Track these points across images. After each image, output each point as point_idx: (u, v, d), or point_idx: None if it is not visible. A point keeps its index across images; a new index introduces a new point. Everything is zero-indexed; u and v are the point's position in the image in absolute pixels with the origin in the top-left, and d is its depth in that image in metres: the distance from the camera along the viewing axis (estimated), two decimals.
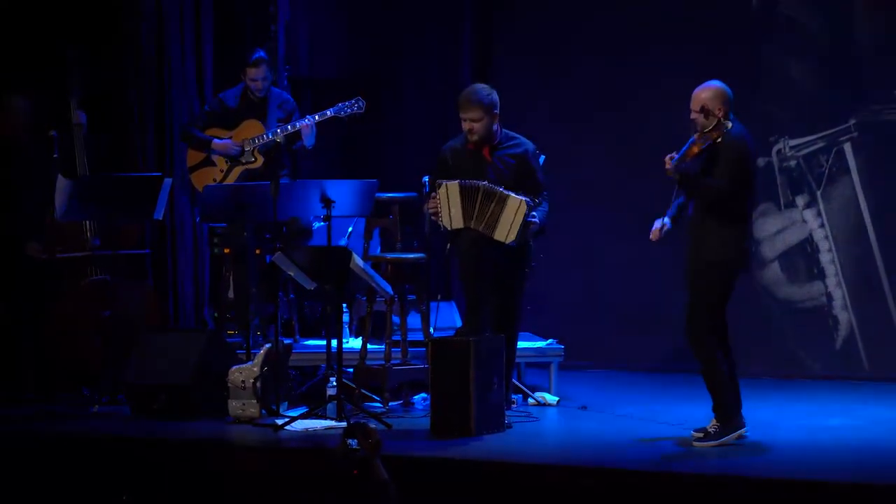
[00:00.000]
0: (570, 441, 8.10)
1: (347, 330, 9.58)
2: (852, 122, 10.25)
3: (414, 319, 9.10)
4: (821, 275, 10.36)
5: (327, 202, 8.42)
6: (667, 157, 7.54)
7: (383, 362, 8.87)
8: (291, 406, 8.59)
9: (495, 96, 8.39)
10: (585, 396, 9.18)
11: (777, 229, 10.46)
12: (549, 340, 9.55)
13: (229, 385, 8.32)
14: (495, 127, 8.41)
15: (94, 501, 7.52)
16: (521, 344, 8.91)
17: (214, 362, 8.50)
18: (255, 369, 8.32)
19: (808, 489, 6.62)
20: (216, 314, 9.87)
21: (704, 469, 7.02)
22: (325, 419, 8.16)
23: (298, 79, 10.78)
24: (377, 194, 8.90)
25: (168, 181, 8.99)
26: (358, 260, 8.30)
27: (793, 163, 10.41)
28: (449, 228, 8.35)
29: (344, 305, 9.33)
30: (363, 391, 8.84)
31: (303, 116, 9.53)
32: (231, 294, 9.48)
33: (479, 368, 7.88)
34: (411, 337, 9.03)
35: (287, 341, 9.19)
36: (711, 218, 7.61)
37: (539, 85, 10.94)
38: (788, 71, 10.41)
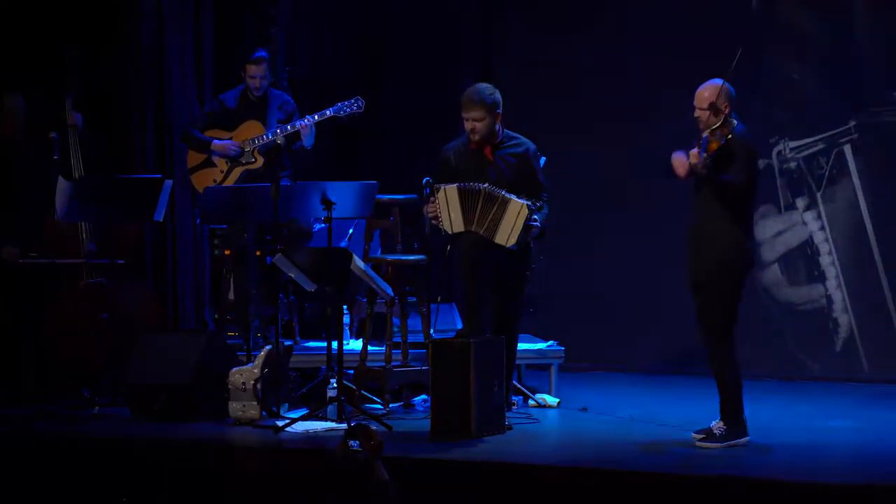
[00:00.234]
0: (570, 443, 8.09)
1: (348, 331, 9.58)
2: (852, 123, 10.26)
3: (414, 321, 9.10)
4: (821, 277, 10.36)
5: (328, 204, 8.42)
6: (692, 152, 7.52)
7: (384, 364, 8.86)
8: (292, 408, 8.59)
9: (498, 96, 8.39)
10: (586, 398, 9.18)
11: (777, 231, 10.46)
12: (550, 342, 9.56)
13: (229, 386, 8.32)
14: (497, 126, 8.42)
15: (93, 503, 7.52)
16: (521, 346, 8.91)
17: (215, 364, 8.50)
18: (256, 371, 8.31)
19: (808, 490, 6.62)
20: (216, 315, 9.86)
21: (704, 470, 7.02)
22: (326, 421, 8.16)
23: (298, 80, 10.77)
24: (377, 196, 8.90)
25: (168, 183, 8.98)
26: (358, 261, 8.30)
27: (793, 164, 10.42)
28: (450, 232, 8.35)
29: (344, 307, 9.33)
30: (363, 393, 8.84)
31: (302, 117, 9.53)
32: (231, 295, 9.47)
33: (479, 370, 7.88)
34: (412, 339, 9.03)
35: (287, 343, 9.18)
36: (720, 218, 7.59)
37: (539, 85, 10.94)
38: (788, 72, 10.41)
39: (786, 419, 8.49)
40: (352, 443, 5.97)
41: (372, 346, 9.07)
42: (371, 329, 9.08)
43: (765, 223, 10.38)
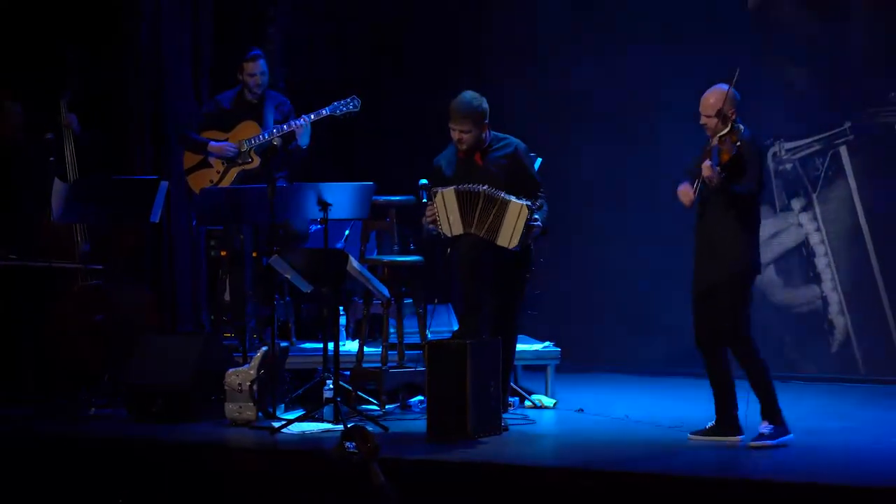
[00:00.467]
0: (566, 443, 8.09)
1: (344, 333, 9.59)
2: (848, 125, 10.27)
3: (411, 322, 9.10)
4: (816, 279, 10.37)
5: (324, 205, 8.42)
6: (704, 165, 7.49)
7: (380, 365, 8.86)
8: (288, 409, 8.59)
9: (485, 104, 8.36)
10: (582, 399, 9.19)
11: (773, 232, 10.47)
12: (546, 343, 9.56)
13: (226, 388, 8.32)
14: (484, 134, 8.40)
15: (90, 503, 7.53)
16: (517, 346, 8.90)
17: (211, 365, 8.50)
18: (252, 372, 8.31)
19: (804, 491, 6.62)
20: (213, 317, 9.86)
21: (701, 471, 7.02)
22: (322, 422, 8.16)
23: (296, 81, 10.77)
24: (374, 197, 8.90)
25: (164, 184, 8.98)
26: (355, 262, 8.30)
27: (788, 166, 10.43)
28: (449, 235, 8.33)
29: (341, 308, 9.34)
30: (360, 394, 8.84)
31: (298, 117, 9.53)
32: (227, 297, 9.47)
33: (475, 371, 7.88)
34: (408, 340, 9.03)
35: (284, 344, 9.18)
36: (731, 226, 7.57)
37: (536, 86, 10.95)
38: (784, 73, 10.42)
39: None
40: (348, 444, 5.97)
41: (368, 347, 9.07)
42: (367, 330, 9.08)
43: (761, 224, 10.37)
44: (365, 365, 8.95)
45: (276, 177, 9.24)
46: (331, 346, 8.42)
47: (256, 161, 9.56)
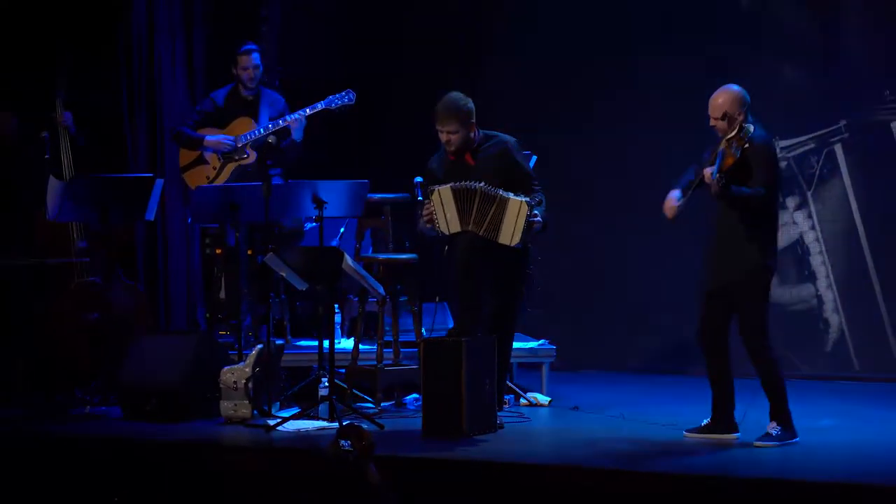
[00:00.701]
0: (561, 441, 8.10)
1: (339, 330, 9.58)
2: (843, 122, 10.27)
3: (406, 320, 9.10)
4: (811, 277, 10.37)
5: (319, 203, 8.43)
6: (706, 172, 7.45)
7: (375, 363, 8.86)
8: (283, 407, 8.59)
9: (471, 104, 8.36)
10: (577, 397, 9.19)
11: None
12: (541, 341, 9.57)
13: (221, 386, 8.31)
14: (472, 134, 8.39)
15: (85, 503, 7.51)
16: (513, 344, 8.90)
17: (206, 363, 8.49)
18: (247, 370, 8.32)
19: (799, 489, 6.63)
20: (208, 315, 9.86)
21: (695, 469, 7.03)
22: (317, 420, 8.16)
23: (290, 79, 10.77)
24: (369, 195, 8.90)
25: (160, 182, 8.98)
26: (350, 260, 8.30)
27: (783, 164, 10.42)
28: (447, 233, 8.33)
29: (336, 306, 9.34)
30: (355, 392, 8.84)
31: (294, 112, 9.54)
32: (223, 295, 9.47)
33: (470, 369, 7.88)
34: (403, 337, 9.03)
35: (279, 342, 9.19)
36: (744, 226, 7.53)
37: (531, 86, 10.95)
38: (779, 71, 10.42)
39: None
40: (343, 443, 5.96)
41: (363, 344, 9.07)
42: (362, 328, 9.08)
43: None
44: (360, 363, 8.95)
45: (271, 174, 9.24)
46: (326, 343, 8.42)
47: (252, 156, 9.57)
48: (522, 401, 9.01)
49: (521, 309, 8.62)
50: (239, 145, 9.57)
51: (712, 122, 7.62)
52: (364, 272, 8.52)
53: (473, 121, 8.35)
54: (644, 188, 10.51)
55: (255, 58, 9.61)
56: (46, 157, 9.28)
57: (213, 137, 9.59)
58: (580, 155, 10.71)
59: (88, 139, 9.50)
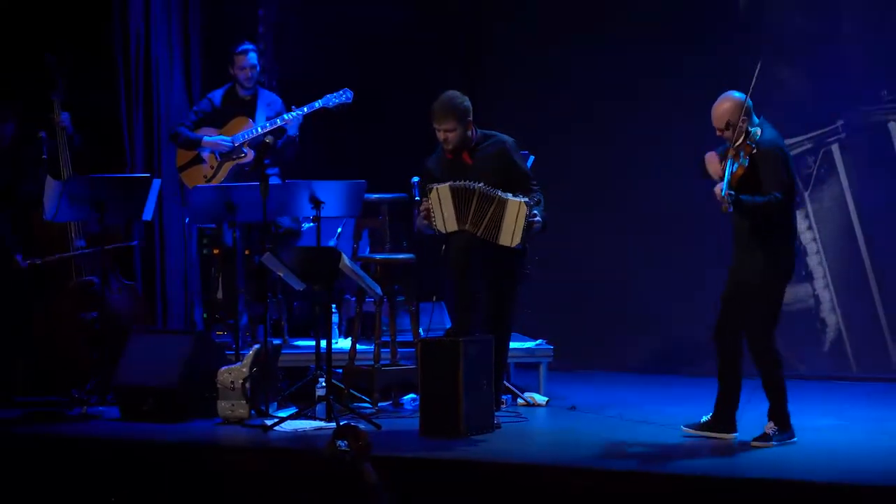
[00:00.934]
0: (559, 441, 8.09)
1: (336, 330, 9.58)
2: (840, 122, 10.27)
3: (403, 320, 9.10)
4: (809, 277, 10.37)
5: (316, 203, 8.43)
6: (715, 189, 7.38)
7: (372, 363, 8.87)
8: (280, 407, 8.59)
9: (468, 102, 8.36)
10: (574, 397, 9.19)
11: None
12: (539, 341, 9.57)
13: (218, 386, 8.31)
14: (469, 132, 8.39)
15: (82, 503, 7.51)
16: (510, 344, 8.91)
17: (203, 363, 8.50)
18: (245, 370, 8.31)
19: (797, 489, 6.63)
20: (205, 315, 9.86)
21: (693, 470, 7.02)
22: (315, 420, 8.17)
23: (287, 80, 10.77)
24: (366, 195, 8.90)
25: (157, 182, 8.98)
26: (347, 260, 8.30)
27: None
28: (443, 231, 8.33)
29: (333, 306, 9.34)
30: (352, 392, 8.84)
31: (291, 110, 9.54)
32: (220, 295, 9.47)
33: (468, 369, 7.88)
34: (400, 337, 9.04)
35: (276, 342, 9.18)
36: (763, 228, 7.49)
37: (529, 86, 10.95)
38: (776, 72, 10.42)
39: None
40: (340, 443, 5.96)
41: (361, 344, 9.08)
42: (360, 328, 9.08)
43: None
44: (357, 363, 8.96)
45: (269, 174, 9.24)
46: (323, 343, 8.42)
47: (250, 155, 9.57)
48: (520, 401, 9.01)
49: (518, 309, 8.62)
50: (236, 144, 9.58)
51: (718, 133, 7.58)
52: (361, 272, 8.52)
53: (470, 119, 8.35)
54: (642, 188, 10.56)
55: (252, 57, 9.62)
56: (44, 157, 9.27)
57: (210, 139, 9.59)
58: (579, 155, 10.71)
59: (86, 140, 9.49)
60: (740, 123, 7.47)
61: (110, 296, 9.06)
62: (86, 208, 8.75)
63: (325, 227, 8.95)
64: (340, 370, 8.93)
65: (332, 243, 9.70)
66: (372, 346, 8.95)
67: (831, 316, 10.31)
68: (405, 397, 8.95)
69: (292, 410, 8.36)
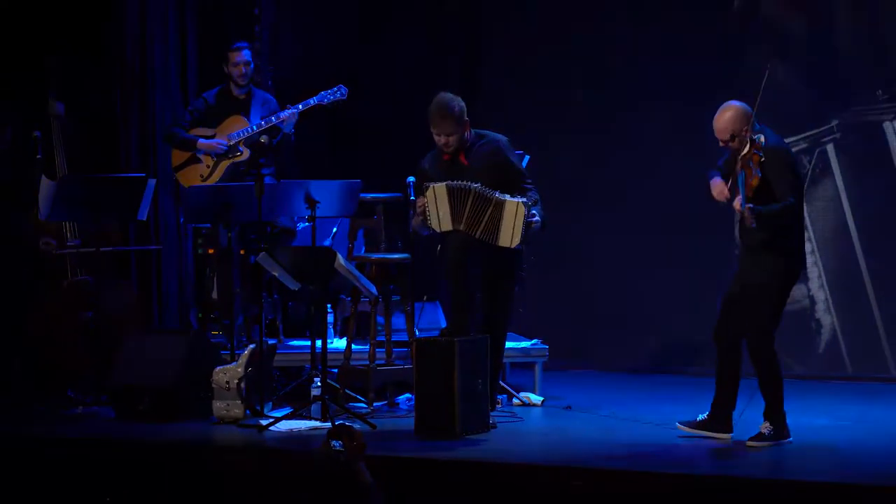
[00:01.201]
0: (554, 441, 8.09)
1: (332, 330, 9.58)
2: (835, 122, 10.27)
3: (398, 320, 9.10)
4: (803, 277, 10.37)
5: (312, 203, 8.42)
6: (735, 204, 7.35)
7: (368, 363, 8.86)
8: (276, 406, 8.59)
9: (462, 103, 8.34)
10: (570, 396, 9.19)
11: None
12: (534, 340, 9.56)
13: (213, 386, 8.31)
14: (466, 133, 8.40)
15: (77, 503, 7.50)
16: (506, 344, 8.91)
17: (198, 363, 8.49)
18: (240, 370, 8.31)
19: (793, 489, 6.63)
20: (200, 315, 9.85)
21: (688, 469, 7.03)
22: (310, 419, 8.16)
23: (282, 79, 10.76)
24: (361, 195, 8.90)
25: (152, 182, 8.98)
26: (342, 260, 8.29)
27: None
28: (438, 230, 8.33)
29: (328, 306, 9.34)
30: (347, 391, 8.83)
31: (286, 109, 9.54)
32: (215, 294, 9.46)
33: (463, 368, 7.88)
34: (396, 337, 9.03)
35: (271, 342, 9.18)
36: (771, 230, 7.46)
37: (527, 85, 10.95)
38: (771, 71, 10.40)
39: None
40: (334, 443, 5.95)
41: (356, 344, 9.07)
42: (355, 328, 9.08)
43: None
44: (352, 362, 8.95)
45: (264, 174, 9.23)
46: (318, 343, 8.42)
47: (246, 153, 9.57)
48: (515, 400, 9.01)
49: (513, 308, 8.62)
50: (232, 143, 9.57)
51: (722, 144, 7.55)
52: (356, 272, 8.52)
53: (467, 119, 8.35)
54: (639, 188, 10.56)
55: (247, 54, 9.62)
56: (38, 156, 9.27)
57: (206, 141, 9.58)
58: (579, 154, 10.71)
59: (83, 137, 9.49)
60: (744, 133, 7.44)
61: (105, 295, 9.04)
62: (81, 208, 8.75)
63: (321, 226, 8.94)
64: (335, 370, 8.93)
65: (327, 243, 9.70)
66: (367, 346, 8.95)
67: (826, 316, 10.32)
68: (400, 397, 8.95)
69: (287, 410, 8.36)
